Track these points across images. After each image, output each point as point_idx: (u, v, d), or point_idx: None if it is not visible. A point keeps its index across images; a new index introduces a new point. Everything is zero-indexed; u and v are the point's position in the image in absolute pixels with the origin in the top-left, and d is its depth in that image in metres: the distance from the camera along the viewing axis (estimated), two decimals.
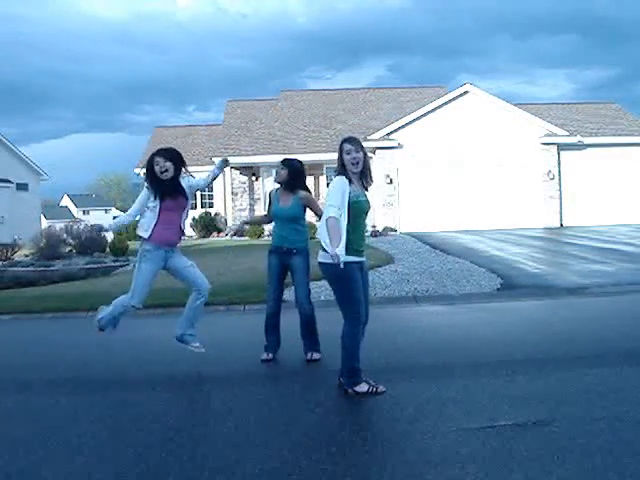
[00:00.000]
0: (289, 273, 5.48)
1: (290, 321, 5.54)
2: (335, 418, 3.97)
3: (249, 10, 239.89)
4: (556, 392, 4.28)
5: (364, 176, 4.45)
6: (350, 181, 4.35)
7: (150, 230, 4.94)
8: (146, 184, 5.05)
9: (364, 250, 4.49)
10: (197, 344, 5.19)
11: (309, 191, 5.52)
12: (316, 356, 5.35)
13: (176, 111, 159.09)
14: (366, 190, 4.48)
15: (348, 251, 4.21)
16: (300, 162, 5.56)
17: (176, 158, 5.03)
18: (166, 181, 4.95)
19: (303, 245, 5.42)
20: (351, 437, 3.63)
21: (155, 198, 4.95)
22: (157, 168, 4.95)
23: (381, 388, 4.37)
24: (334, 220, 4.16)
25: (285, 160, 5.55)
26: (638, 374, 4.68)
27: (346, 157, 4.34)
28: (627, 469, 3.06)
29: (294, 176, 5.42)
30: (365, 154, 4.43)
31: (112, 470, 3.29)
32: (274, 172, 25.24)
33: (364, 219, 4.51)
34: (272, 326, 5.49)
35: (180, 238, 5.17)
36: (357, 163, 4.34)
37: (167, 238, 5.00)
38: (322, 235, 4.25)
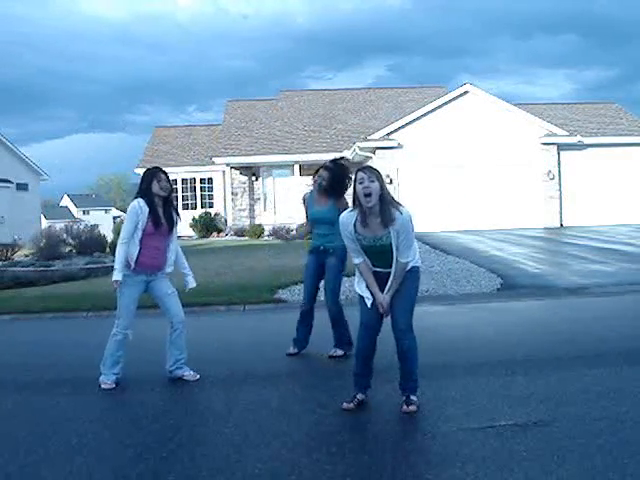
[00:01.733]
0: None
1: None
2: (335, 418, 3.97)
3: (250, 10, 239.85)
4: (556, 392, 4.28)
5: (383, 212, 3.86)
6: (364, 219, 3.90)
7: (133, 262, 4.75)
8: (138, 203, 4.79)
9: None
10: (190, 372, 4.94)
11: (344, 197, 5.34)
12: (339, 352, 5.44)
13: (177, 111, 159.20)
14: (386, 227, 3.88)
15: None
16: (344, 166, 5.47)
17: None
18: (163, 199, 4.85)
19: (339, 244, 5.39)
20: (351, 437, 3.63)
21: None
22: (158, 185, 4.81)
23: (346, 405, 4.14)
24: (359, 266, 4.08)
25: (332, 161, 5.51)
26: (638, 374, 4.68)
27: (358, 187, 3.88)
28: (627, 469, 3.06)
29: (333, 182, 5.36)
30: (383, 186, 3.89)
31: (112, 470, 3.29)
32: (273, 172, 25.11)
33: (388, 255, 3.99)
34: (304, 323, 5.58)
35: (164, 263, 4.93)
36: (369, 195, 3.82)
37: (149, 264, 4.84)
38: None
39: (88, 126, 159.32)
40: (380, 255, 3.99)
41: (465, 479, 3.02)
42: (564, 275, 9.81)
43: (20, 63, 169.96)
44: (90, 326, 7.83)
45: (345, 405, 4.09)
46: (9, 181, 28.45)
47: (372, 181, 3.83)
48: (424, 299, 8.31)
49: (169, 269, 5.00)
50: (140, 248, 4.76)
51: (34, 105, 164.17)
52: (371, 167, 3.97)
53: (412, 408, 3.98)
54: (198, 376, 4.92)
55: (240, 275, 10.59)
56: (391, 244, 3.91)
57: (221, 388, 4.69)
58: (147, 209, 4.76)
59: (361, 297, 4.18)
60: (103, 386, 4.80)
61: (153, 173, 4.86)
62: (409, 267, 4.03)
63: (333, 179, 5.36)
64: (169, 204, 4.94)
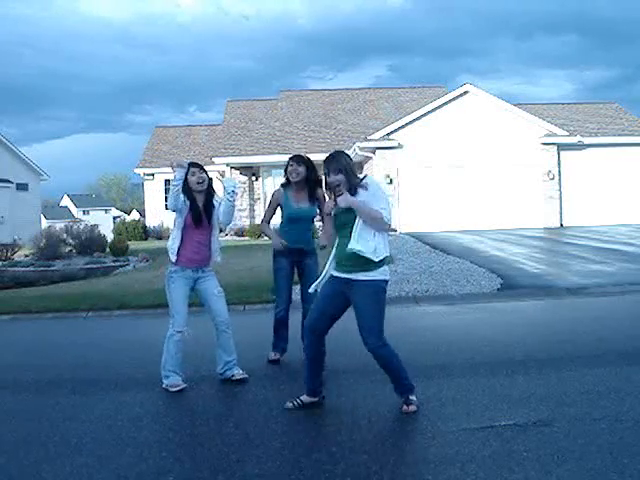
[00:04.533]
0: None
1: (294, 321, 5.53)
2: (335, 418, 3.97)
3: (251, 11, 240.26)
4: (556, 392, 4.28)
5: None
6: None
7: (175, 253, 4.74)
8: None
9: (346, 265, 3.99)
10: (239, 371, 4.84)
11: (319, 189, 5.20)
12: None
13: (178, 111, 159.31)
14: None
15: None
16: (310, 159, 5.29)
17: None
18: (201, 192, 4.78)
19: (314, 245, 5.32)
20: (351, 437, 3.63)
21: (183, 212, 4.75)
22: (194, 178, 4.75)
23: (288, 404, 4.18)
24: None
25: (297, 157, 5.23)
26: (638, 374, 4.68)
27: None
28: (627, 469, 3.06)
29: (312, 173, 5.16)
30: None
31: (112, 470, 3.29)
32: (272, 172, 25.01)
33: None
34: (282, 327, 5.41)
35: (208, 258, 4.86)
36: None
37: (192, 258, 4.76)
38: (366, 245, 3.88)
39: (89, 126, 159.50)
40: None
41: (465, 479, 3.02)
42: (564, 275, 9.81)
43: (21, 63, 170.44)
44: (90, 326, 7.83)
45: (288, 404, 4.13)
46: (9, 181, 28.46)
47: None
48: (424, 299, 8.32)
49: (218, 258, 4.93)
50: (182, 242, 4.73)
51: (35, 105, 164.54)
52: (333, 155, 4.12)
53: (412, 408, 3.94)
54: (247, 376, 4.81)
55: (240, 275, 10.59)
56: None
57: (221, 388, 4.68)
58: (188, 203, 4.74)
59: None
60: (173, 389, 4.62)
61: (187, 168, 4.80)
62: (370, 278, 3.89)
63: (312, 170, 5.18)
64: (210, 198, 4.84)
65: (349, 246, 3.86)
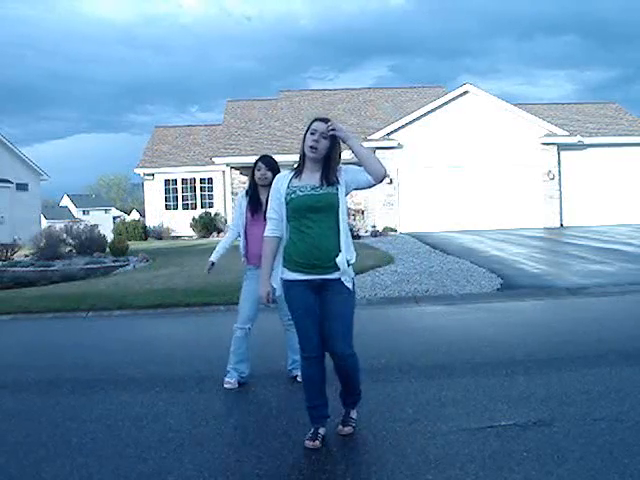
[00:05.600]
0: None
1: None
2: (335, 418, 3.96)
3: (253, 12, 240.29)
4: (556, 392, 4.28)
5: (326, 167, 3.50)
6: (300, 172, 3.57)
7: (244, 251, 4.81)
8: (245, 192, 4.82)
9: (324, 264, 3.45)
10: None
11: None
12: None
13: (179, 112, 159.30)
14: (328, 184, 3.48)
15: (289, 264, 3.53)
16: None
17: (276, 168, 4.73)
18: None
19: None
20: (351, 437, 3.63)
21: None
22: (258, 173, 4.72)
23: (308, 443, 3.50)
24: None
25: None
26: (638, 374, 4.68)
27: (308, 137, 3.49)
28: (627, 469, 3.05)
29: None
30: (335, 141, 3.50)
31: (112, 470, 3.29)
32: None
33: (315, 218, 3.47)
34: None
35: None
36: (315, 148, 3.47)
37: (258, 254, 4.55)
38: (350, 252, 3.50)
39: (91, 126, 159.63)
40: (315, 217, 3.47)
41: (465, 479, 3.02)
42: (564, 275, 9.81)
43: (24, 64, 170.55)
44: (90, 326, 7.83)
45: (309, 444, 3.47)
46: (9, 181, 28.46)
47: (324, 137, 3.46)
48: (424, 299, 8.32)
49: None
50: (247, 239, 4.77)
51: (37, 106, 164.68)
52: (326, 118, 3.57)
53: (347, 430, 3.63)
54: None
55: (240, 275, 10.58)
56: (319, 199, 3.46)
57: (221, 388, 4.68)
58: (247, 198, 4.77)
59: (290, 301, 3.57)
60: (225, 385, 4.65)
61: (255, 162, 4.79)
62: (346, 280, 3.47)
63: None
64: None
65: (341, 259, 3.40)
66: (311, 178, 3.52)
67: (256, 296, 4.64)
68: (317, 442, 3.48)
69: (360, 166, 3.52)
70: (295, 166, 3.64)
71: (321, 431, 3.55)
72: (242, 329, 4.75)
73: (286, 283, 3.56)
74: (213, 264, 5.05)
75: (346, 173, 3.54)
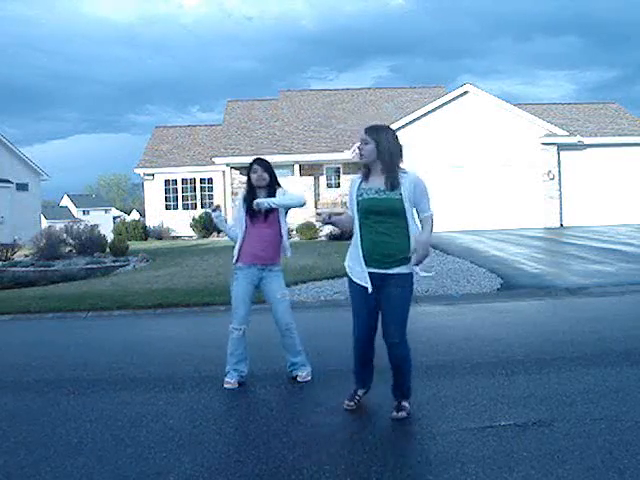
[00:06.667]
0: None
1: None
2: (335, 418, 3.97)
3: (254, 13, 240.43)
4: (556, 392, 4.28)
5: (385, 168, 3.86)
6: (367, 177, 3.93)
7: (238, 248, 4.76)
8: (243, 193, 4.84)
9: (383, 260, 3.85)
10: (302, 373, 4.77)
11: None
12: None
13: (180, 112, 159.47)
14: (392, 188, 3.86)
15: (354, 257, 3.93)
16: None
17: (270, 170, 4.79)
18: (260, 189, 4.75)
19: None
20: (351, 437, 3.63)
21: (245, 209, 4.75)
22: (254, 176, 4.73)
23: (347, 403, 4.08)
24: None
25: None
26: (638, 374, 4.68)
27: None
28: (627, 469, 3.06)
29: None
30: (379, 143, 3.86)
31: (112, 470, 3.29)
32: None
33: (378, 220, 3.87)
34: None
35: (276, 254, 4.81)
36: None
37: (255, 255, 4.73)
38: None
39: (91, 126, 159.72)
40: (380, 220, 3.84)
41: (465, 479, 3.02)
42: (564, 275, 9.81)
43: (25, 64, 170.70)
44: (90, 326, 7.83)
45: (346, 403, 4.03)
46: (9, 181, 28.47)
47: (366, 143, 3.87)
48: (424, 299, 8.32)
49: (288, 254, 4.89)
50: (244, 239, 4.74)
51: (38, 106, 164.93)
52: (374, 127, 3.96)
53: (402, 414, 3.87)
54: (309, 378, 4.76)
55: None
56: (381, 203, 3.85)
57: (221, 388, 4.68)
58: (245, 205, 4.75)
59: (352, 286, 3.96)
60: (225, 385, 4.67)
61: (250, 165, 4.78)
62: (406, 271, 3.85)
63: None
64: (272, 194, 4.75)
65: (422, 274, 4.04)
66: (376, 180, 3.90)
67: (250, 295, 4.76)
68: (352, 403, 4.02)
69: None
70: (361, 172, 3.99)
71: (359, 392, 4.07)
72: (238, 330, 4.74)
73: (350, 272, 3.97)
74: (220, 209, 4.96)
75: (415, 187, 4.17)
